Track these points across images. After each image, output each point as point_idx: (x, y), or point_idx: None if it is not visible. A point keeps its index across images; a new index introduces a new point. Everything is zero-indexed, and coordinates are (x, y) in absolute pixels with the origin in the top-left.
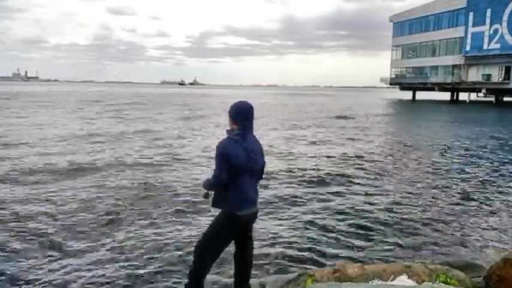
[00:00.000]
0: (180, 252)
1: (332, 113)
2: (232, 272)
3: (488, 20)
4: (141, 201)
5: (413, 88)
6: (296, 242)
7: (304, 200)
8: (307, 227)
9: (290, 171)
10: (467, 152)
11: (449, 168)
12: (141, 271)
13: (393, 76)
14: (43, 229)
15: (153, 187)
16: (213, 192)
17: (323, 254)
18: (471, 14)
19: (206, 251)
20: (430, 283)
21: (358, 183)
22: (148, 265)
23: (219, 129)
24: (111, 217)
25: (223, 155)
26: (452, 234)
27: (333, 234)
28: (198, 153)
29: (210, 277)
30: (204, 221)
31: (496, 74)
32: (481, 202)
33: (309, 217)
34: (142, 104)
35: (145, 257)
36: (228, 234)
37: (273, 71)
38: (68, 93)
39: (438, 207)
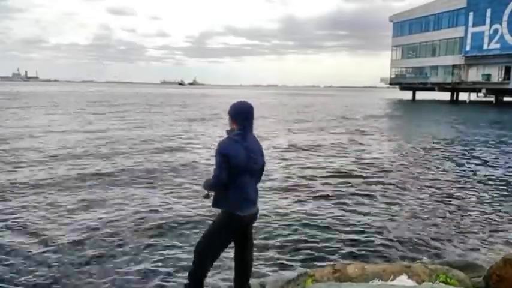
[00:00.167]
0: (180, 252)
1: (332, 113)
2: (232, 272)
3: (488, 20)
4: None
5: (413, 88)
6: (296, 242)
7: (304, 200)
8: (307, 227)
9: (290, 171)
10: (467, 152)
11: (450, 168)
12: (141, 271)
13: (393, 76)
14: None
15: (153, 187)
16: (213, 193)
17: (323, 254)
18: (471, 14)
19: (206, 251)
20: (430, 283)
21: (358, 184)
22: (147, 264)
23: (219, 129)
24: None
25: (223, 155)
26: (452, 234)
27: (333, 234)
28: (198, 153)
29: (210, 277)
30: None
31: (496, 74)
32: (481, 202)
33: (309, 217)
34: (142, 105)
35: (143, 256)
36: (228, 234)
37: (273, 71)
38: (68, 93)
39: (438, 207)
